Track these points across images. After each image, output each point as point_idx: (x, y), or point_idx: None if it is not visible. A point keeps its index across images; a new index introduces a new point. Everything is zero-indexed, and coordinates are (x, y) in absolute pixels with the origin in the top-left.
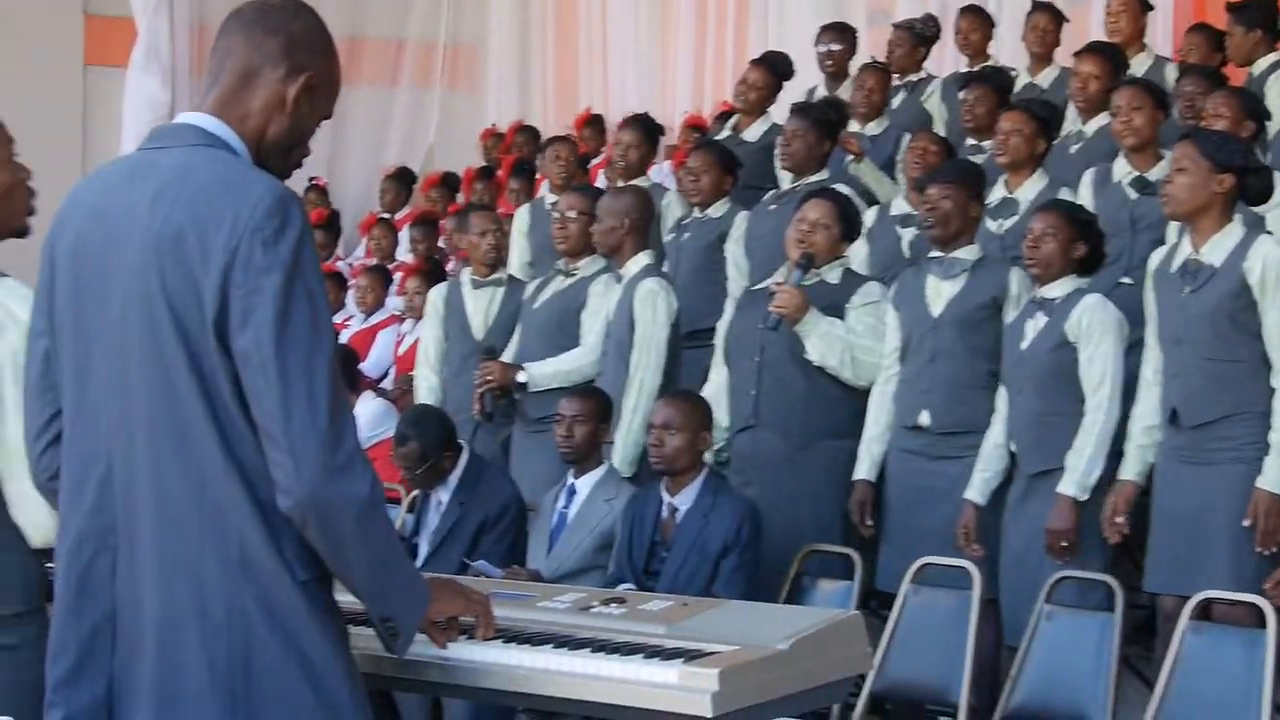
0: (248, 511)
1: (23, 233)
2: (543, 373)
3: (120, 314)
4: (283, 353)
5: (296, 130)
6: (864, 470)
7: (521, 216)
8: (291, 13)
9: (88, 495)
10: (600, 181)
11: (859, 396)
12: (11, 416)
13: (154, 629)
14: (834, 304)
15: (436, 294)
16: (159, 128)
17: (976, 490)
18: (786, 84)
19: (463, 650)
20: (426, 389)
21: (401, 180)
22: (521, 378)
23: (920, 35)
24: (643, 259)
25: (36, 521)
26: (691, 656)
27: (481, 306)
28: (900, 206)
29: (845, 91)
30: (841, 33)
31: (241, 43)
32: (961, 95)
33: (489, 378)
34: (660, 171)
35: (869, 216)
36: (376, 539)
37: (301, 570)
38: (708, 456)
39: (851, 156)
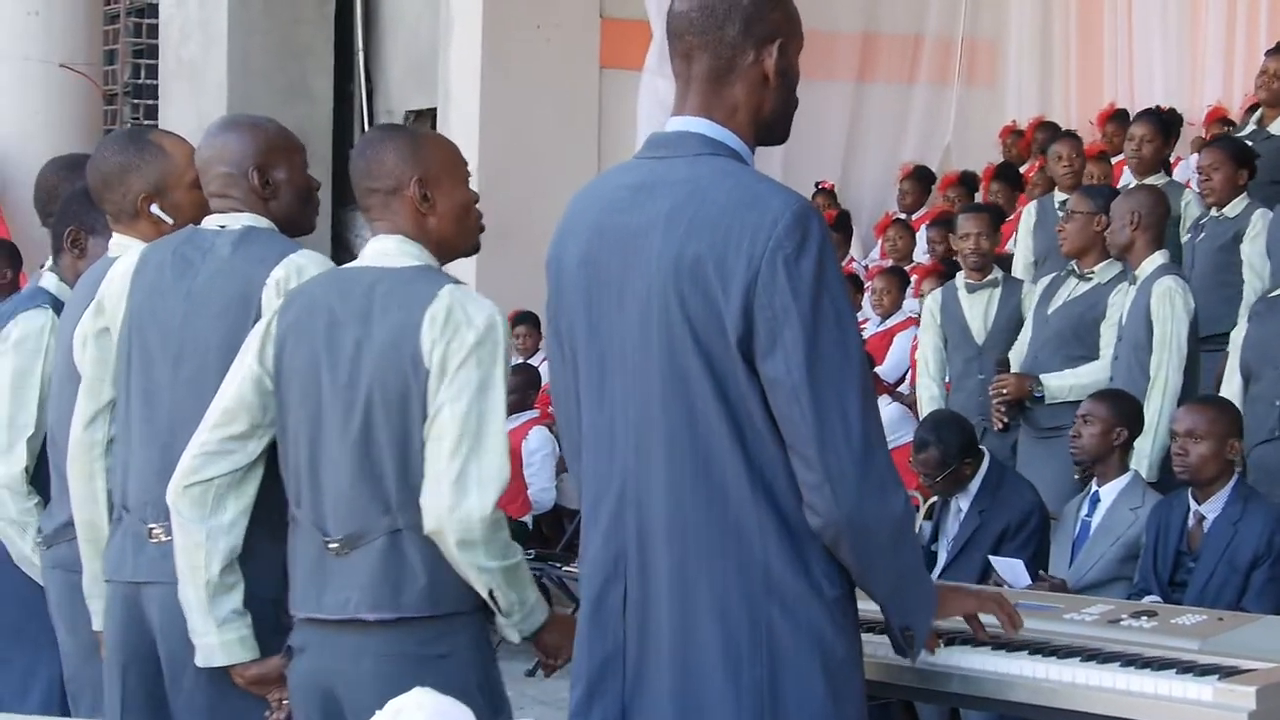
0: (774, 532)
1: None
2: (1060, 385)
3: (638, 337)
4: (814, 377)
5: (789, 91)
6: None
7: (1029, 212)
8: None
9: (601, 520)
10: (1125, 179)
11: None
12: None
13: (669, 654)
14: None
15: (932, 301)
16: (656, 135)
17: None
18: None
19: (987, 661)
20: (928, 399)
21: (920, 179)
22: (1038, 391)
23: None
24: (1158, 258)
25: None
26: (1227, 673)
27: (979, 311)
28: None
29: None
30: None
31: (699, 44)
32: None
33: (1004, 391)
34: (1188, 167)
35: None
36: (905, 554)
37: (830, 587)
38: None
39: None
